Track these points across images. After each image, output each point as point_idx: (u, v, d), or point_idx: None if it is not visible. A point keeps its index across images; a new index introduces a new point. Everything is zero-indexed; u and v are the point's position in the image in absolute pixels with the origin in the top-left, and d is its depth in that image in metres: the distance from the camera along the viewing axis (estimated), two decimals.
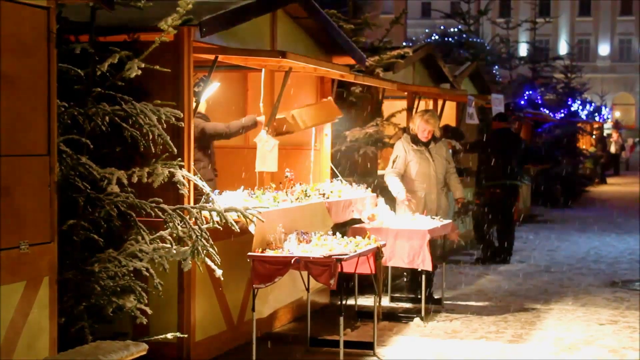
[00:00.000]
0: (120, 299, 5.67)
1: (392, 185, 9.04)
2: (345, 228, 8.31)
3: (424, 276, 8.58)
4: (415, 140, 9.17)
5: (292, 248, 6.56)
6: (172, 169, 5.96)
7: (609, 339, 7.86)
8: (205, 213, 6.01)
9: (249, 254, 6.51)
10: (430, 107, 13.36)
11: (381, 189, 9.68)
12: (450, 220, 9.01)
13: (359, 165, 10.48)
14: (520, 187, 12.49)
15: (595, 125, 33.71)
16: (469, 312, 8.93)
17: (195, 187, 6.44)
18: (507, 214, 12.27)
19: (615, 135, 37.71)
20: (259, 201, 6.91)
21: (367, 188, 8.91)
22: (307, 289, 7.42)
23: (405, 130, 9.56)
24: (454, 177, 9.46)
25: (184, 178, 6.04)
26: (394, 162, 9.14)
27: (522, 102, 21.65)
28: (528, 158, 12.50)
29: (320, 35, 8.75)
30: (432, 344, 7.64)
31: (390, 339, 7.73)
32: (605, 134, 36.89)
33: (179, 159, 6.08)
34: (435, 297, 9.22)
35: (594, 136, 32.30)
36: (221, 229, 6.05)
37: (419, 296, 8.71)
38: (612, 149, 36.51)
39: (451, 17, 23.56)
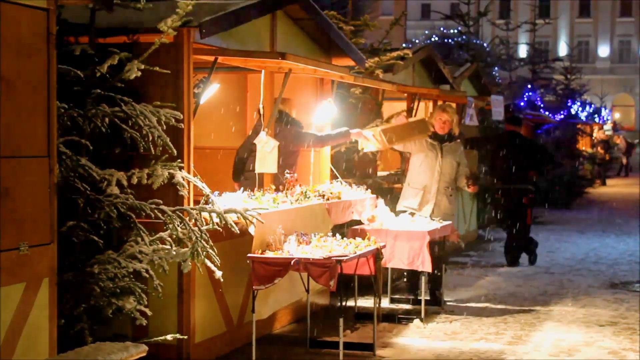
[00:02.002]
0: (120, 301, 5.67)
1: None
2: (344, 229, 8.31)
3: (423, 277, 8.59)
4: (433, 135, 9.21)
5: (292, 249, 6.56)
6: (171, 171, 5.97)
7: (609, 341, 7.86)
8: (205, 214, 6.01)
9: (249, 255, 6.51)
10: (430, 108, 13.38)
11: (380, 191, 9.69)
12: (450, 222, 9.01)
13: (358, 166, 10.48)
14: (532, 191, 12.47)
15: (595, 127, 33.71)
16: (469, 313, 8.93)
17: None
18: (519, 217, 12.26)
19: (618, 140, 37.59)
20: (258, 202, 6.91)
21: (366, 189, 8.91)
22: (307, 291, 7.42)
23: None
24: (462, 175, 9.44)
25: (183, 179, 6.04)
26: None
27: (522, 104, 21.67)
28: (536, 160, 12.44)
29: (320, 36, 8.75)
30: (432, 345, 7.64)
31: (390, 340, 7.72)
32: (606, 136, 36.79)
33: (179, 160, 6.08)
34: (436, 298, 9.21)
35: (594, 138, 32.30)
36: (221, 230, 6.05)
37: (431, 297, 8.92)
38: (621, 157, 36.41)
39: (451, 19, 23.54)
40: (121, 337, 5.63)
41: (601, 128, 35.58)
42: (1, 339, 4.62)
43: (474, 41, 22.21)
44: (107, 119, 5.80)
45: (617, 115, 58.35)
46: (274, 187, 7.67)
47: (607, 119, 41.40)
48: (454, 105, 11.97)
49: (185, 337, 6.36)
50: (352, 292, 8.58)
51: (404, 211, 8.94)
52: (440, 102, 10.25)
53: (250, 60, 7.45)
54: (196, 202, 6.48)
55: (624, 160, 37.23)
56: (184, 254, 5.78)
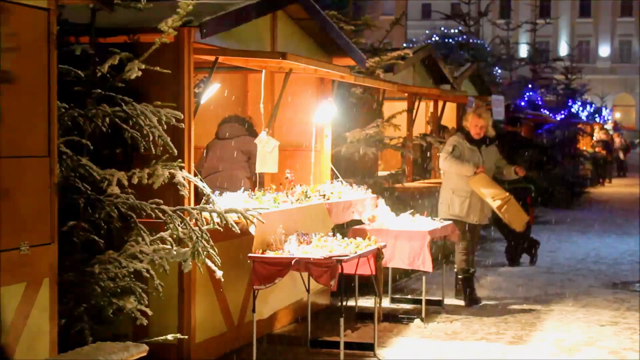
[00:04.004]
0: (121, 300, 5.67)
1: (458, 166, 9.01)
2: (345, 229, 8.31)
3: (423, 277, 8.59)
4: (470, 139, 9.18)
5: (293, 249, 6.56)
6: (172, 170, 5.96)
7: (610, 340, 7.86)
8: (205, 214, 6.01)
9: (250, 255, 6.51)
10: (430, 108, 13.40)
11: (381, 190, 9.68)
12: (450, 222, 9.00)
13: (359, 166, 10.48)
14: (532, 190, 12.47)
15: (596, 127, 33.65)
16: (469, 313, 8.93)
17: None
18: None
19: (617, 140, 37.50)
20: (259, 202, 6.91)
21: (367, 189, 8.91)
22: (308, 290, 7.41)
23: (460, 129, 9.54)
24: (505, 167, 9.47)
25: (184, 179, 6.04)
26: (453, 148, 9.11)
27: (523, 103, 21.66)
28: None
29: (321, 36, 8.74)
30: (433, 345, 7.64)
31: (391, 340, 7.72)
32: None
33: (179, 160, 6.08)
34: (435, 298, 9.21)
35: (594, 137, 32.23)
36: (221, 230, 6.05)
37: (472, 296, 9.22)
38: (620, 154, 36.25)
39: (451, 19, 23.54)
40: (122, 337, 5.63)
41: (602, 128, 35.49)
42: (2, 339, 4.62)
43: (475, 41, 22.22)
44: (107, 119, 5.80)
45: (617, 115, 58.30)
46: (274, 186, 7.68)
47: (608, 119, 41.34)
48: (432, 107, 11.98)
49: (186, 336, 6.36)
50: (353, 292, 8.57)
51: (453, 220, 8.99)
52: (478, 107, 9.99)
53: (250, 60, 7.44)
54: (197, 202, 6.48)
55: (622, 156, 36.98)
56: (185, 254, 5.78)
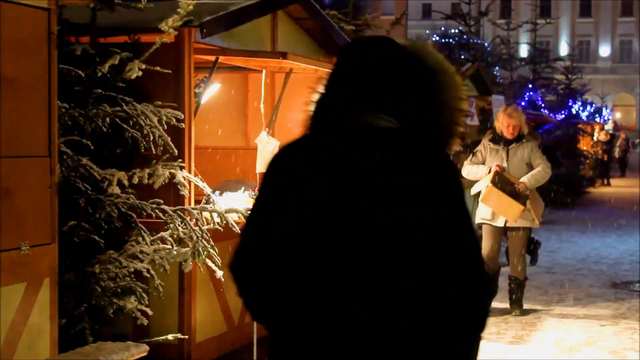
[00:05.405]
0: (121, 300, 5.68)
1: (471, 172, 8.79)
2: None
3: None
4: (495, 138, 8.91)
5: None
6: (172, 170, 5.97)
7: (610, 340, 7.86)
8: (206, 214, 6.01)
9: None
10: None
11: None
12: None
13: None
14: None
15: (597, 127, 33.64)
16: None
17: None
18: None
19: (622, 136, 37.38)
20: None
21: None
22: None
23: (494, 130, 9.41)
24: (534, 171, 8.88)
25: (184, 179, 6.04)
26: (474, 155, 8.96)
27: (523, 103, 21.66)
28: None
29: (321, 36, 8.75)
30: None
31: None
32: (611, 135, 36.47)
33: (180, 160, 6.08)
34: None
35: (594, 138, 32.21)
36: (222, 230, 6.05)
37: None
38: (616, 153, 36.12)
39: (452, 18, 23.50)
40: (122, 337, 5.64)
41: (602, 129, 35.42)
42: (2, 339, 4.62)
43: (475, 41, 22.19)
44: (108, 119, 5.80)
45: (617, 115, 58.33)
46: None
47: (608, 119, 41.32)
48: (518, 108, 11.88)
49: (186, 336, 6.36)
50: None
51: (483, 223, 8.82)
52: (508, 106, 9.72)
53: (251, 60, 7.44)
54: (197, 202, 6.48)
55: (618, 153, 36.76)
56: (185, 254, 5.78)
